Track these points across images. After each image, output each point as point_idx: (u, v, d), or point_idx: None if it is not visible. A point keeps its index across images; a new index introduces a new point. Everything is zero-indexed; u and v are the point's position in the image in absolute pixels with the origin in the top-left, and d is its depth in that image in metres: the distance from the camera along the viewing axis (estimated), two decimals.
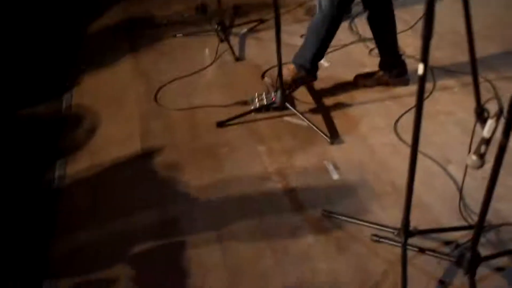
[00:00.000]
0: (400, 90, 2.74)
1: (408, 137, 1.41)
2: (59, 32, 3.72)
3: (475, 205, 1.97)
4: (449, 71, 2.83)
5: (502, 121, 1.25)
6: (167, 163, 2.40)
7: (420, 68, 1.33)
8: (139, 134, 2.61)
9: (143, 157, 2.46)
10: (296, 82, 2.72)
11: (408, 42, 3.06)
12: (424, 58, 1.30)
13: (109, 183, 2.31)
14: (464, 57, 1.47)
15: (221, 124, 2.59)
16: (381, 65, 2.75)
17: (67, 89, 3.08)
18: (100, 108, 2.87)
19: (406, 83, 2.76)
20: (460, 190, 2.02)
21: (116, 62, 3.32)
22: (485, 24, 3.22)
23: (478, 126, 1.41)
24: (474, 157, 1.39)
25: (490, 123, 1.41)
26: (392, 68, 2.73)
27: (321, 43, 2.59)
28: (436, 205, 2.01)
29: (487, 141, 1.41)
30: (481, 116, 1.49)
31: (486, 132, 1.42)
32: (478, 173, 1.79)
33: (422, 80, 1.35)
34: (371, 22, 2.61)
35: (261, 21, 3.61)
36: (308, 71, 2.69)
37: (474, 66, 1.52)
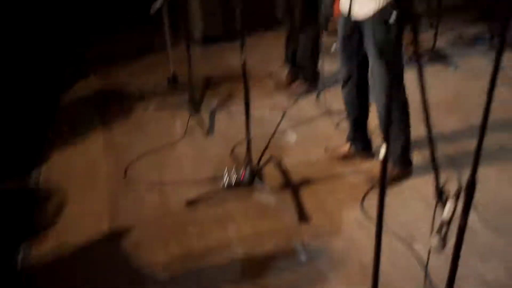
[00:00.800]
0: (367, 164, 2.82)
1: (375, 213, 1.45)
2: (29, 106, 3.74)
3: (441, 285, 1.99)
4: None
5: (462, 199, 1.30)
6: (135, 243, 2.38)
7: (382, 151, 1.38)
8: (108, 213, 2.59)
9: (111, 237, 2.43)
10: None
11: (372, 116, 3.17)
12: (387, 138, 1.37)
13: (75, 266, 2.27)
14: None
15: (190, 203, 2.60)
16: (349, 138, 2.83)
17: (36, 165, 3.07)
18: (69, 185, 2.85)
19: (372, 157, 2.84)
20: (425, 270, 2.05)
21: (87, 136, 3.34)
22: (445, 97, 3.39)
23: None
24: (435, 240, 1.42)
25: (449, 205, 1.46)
26: (360, 142, 2.81)
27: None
28: (403, 284, 2.03)
29: (447, 223, 1.45)
30: (440, 197, 1.55)
31: (445, 214, 1.46)
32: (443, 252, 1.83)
33: (384, 163, 1.40)
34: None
35: (231, 94, 3.71)
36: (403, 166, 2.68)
37: (432, 152, 1.59)
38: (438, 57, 4.08)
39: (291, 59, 3.73)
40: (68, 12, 4.48)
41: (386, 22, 2.24)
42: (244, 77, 2.37)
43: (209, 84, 3.93)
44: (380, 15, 2.27)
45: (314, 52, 3.59)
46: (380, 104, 2.49)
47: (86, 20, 4.62)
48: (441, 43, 4.25)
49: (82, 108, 3.75)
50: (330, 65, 3.59)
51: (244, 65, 2.38)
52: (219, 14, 4.51)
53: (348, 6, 2.37)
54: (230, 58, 4.20)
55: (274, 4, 3.62)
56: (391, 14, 2.15)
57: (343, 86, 2.68)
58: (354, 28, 2.42)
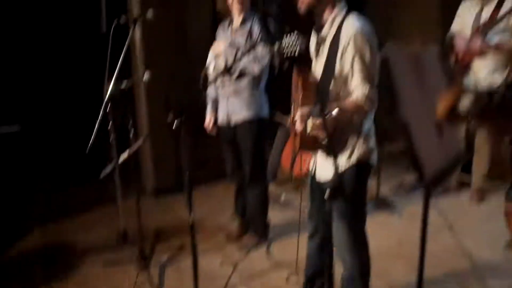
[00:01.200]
0: None
1: None
2: None
3: None
4: None
5: None
6: None
7: None
8: None
9: None
10: None
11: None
12: None
13: None
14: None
15: None
16: None
17: None
18: None
19: None
20: None
21: None
22: (390, 244, 3.48)
23: None
24: None
25: None
26: None
27: None
28: None
29: None
30: None
31: None
32: None
33: None
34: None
35: (183, 247, 3.67)
36: None
37: None
38: (382, 204, 4.26)
39: (241, 211, 3.80)
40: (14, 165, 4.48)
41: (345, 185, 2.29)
42: (192, 237, 2.38)
43: (160, 237, 3.88)
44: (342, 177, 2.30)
45: (264, 204, 3.69)
46: (343, 263, 2.49)
47: (32, 171, 4.62)
48: (384, 190, 4.47)
49: (24, 266, 3.57)
50: (280, 215, 3.67)
51: (192, 225, 2.40)
52: (171, 166, 4.63)
53: (314, 167, 2.48)
54: (181, 209, 4.22)
55: (223, 160, 3.76)
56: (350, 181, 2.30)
57: (309, 239, 2.68)
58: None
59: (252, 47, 2.80)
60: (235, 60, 3.26)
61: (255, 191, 3.64)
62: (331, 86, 2.26)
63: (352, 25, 2.20)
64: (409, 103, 1.50)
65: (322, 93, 2.20)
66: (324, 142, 2.12)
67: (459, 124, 1.05)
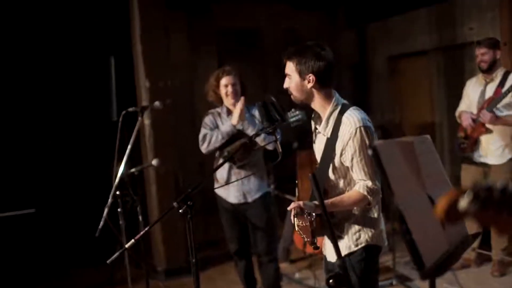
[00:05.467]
0: None
1: None
2: None
3: None
4: None
5: None
6: None
7: None
8: None
9: None
10: None
11: None
12: None
13: None
14: None
15: None
16: None
17: None
18: None
19: None
20: None
21: None
22: None
23: None
24: None
25: None
26: None
27: None
28: None
29: None
30: None
31: None
32: None
33: None
34: None
35: None
36: None
37: None
38: (400, 280, 4.15)
39: None
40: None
41: (353, 268, 2.24)
42: None
43: None
44: (349, 262, 2.25)
45: (277, 282, 3.66)
46: None
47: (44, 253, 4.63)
48: (400, 266, 4.36)
49: None
50: None
51: None
52: (182, 247, 4.61)
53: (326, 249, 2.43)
54: None
55: (226, 239, 3.74)
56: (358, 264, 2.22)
57: None
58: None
59: (256, 135, 2.88)
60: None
61: (267, 270, 3.60)
62: (331, 175, 2.26)
63: (352, 120, 2.17)
64: (403, 191, 1.51)
65: (318, 185, 2.19)
66: (309, 244, 2.11)
67: (460, 222, 1.04)
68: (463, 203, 1.01)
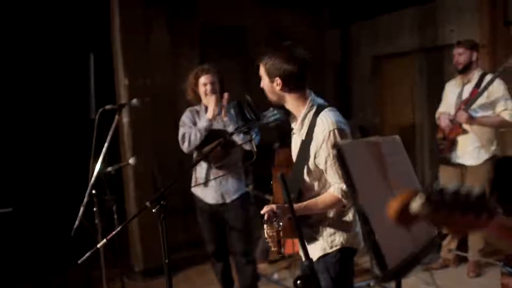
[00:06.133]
0: None
1: None
2: None
3: None
4: None
5: None
6: None
7: None
8: None
9: None
10: None
11: None
12: None
13: None
14: None
15: None
16: None
17: None
18: None
19: None
20: None
21: None
22: None
23: None
24: None
25: None
26: None
27: None
28: None
29: None
30: None
31: None
32: None
33: None
34: None
35: None
36: None
37: None
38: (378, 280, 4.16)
39: None
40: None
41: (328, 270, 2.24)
42: None
43: None
44: (324, 263, 2.26)
45: (255, 283, 3.65)
46: None
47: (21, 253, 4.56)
48: None
49: None
50: None
51: None
52: (160, 246, 4.56)
53: None
54: None
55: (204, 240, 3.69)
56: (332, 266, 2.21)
57: None
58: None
59: (231, 134, 2.86)
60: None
61: (245, 271, 3.58)
62: (306, 177, 2.25)
63: (326, 122, 2.15)
64: (367, 191, 1.51)
65: (293, 185, 2.18)
66: (276, 253, 2.11)
67: (412, 224, 1.04)
68: (415, 205, 1.01)
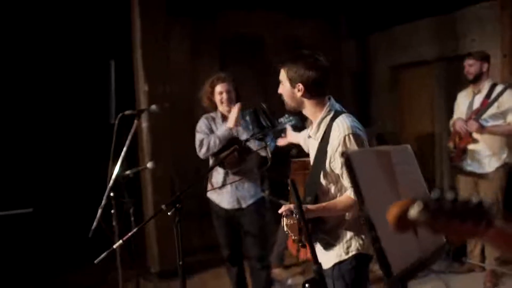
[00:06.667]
0: None
1: None
2: None
3: None
4: None
5: None
6: None
7: None
8: None
9: None
10: None
11: None
12: None
13: None
14: None
15: None
16: None
17: None
18: None
19: None
20: None
21: None
22: None
23: None
24: None
25: None
26: None
27: None
28: None
29: None
30: None
31: None
32: None
33: None
34: None
35: None
36: None
37: None
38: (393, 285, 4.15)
39: None
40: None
41: (343, 277, 2.24)
42: None
43: None
44: (340, 270, 2.26)
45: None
46: None
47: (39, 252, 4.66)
48: None
49: None
50: None
51: None
52: (174, 249, 4.63)
53: None
54: None
55: (219, 244, 3.74)
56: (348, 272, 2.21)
57: None
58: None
59: (246, 140, 2.90)
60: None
61: (259, 274, 3.62)
62: (322, 181, 2.26)
63: (342, 127, 2.17)
64: (375, 199, 1.54)
65: (310, 188, 2.21)
66: (296, 242, 2.14)
67: (410, 230, 1.06)
68: (413, 212, 1.04)
